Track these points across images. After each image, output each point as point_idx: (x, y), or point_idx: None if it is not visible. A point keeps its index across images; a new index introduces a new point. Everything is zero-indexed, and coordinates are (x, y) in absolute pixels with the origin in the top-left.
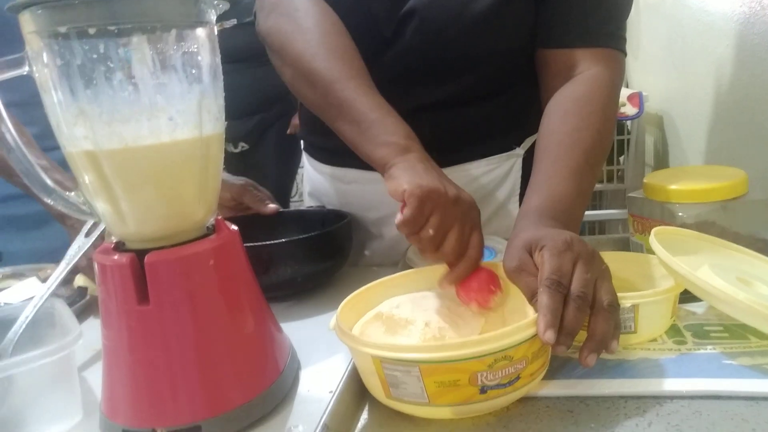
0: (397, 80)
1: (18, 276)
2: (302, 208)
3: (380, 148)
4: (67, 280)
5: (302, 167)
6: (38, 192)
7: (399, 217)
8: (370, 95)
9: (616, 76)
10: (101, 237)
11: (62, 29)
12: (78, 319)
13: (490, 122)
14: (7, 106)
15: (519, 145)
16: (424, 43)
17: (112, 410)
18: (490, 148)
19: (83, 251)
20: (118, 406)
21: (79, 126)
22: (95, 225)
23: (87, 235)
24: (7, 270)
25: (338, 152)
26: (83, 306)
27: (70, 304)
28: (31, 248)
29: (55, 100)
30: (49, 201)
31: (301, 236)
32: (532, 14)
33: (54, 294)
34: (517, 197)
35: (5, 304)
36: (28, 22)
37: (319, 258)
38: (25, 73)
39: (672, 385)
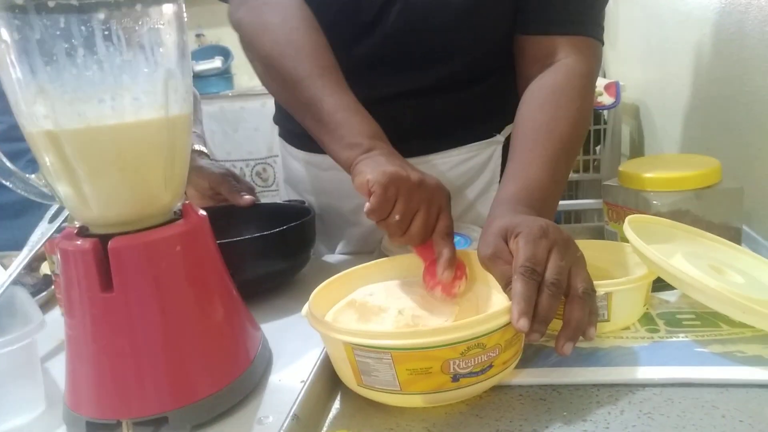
0: (378, 66)
1: None
2: (279, 201)
3: (345, 150)
4: (33, 267)
5: (277, 156)
6: None
7: (367, 206)
8: (336, 94)
9: (593, 65)
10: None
11: (19, 1)
12: (44, 307)
13: (470, 109)
14: None
15: (499, 132)
16: (406, 29)
17: (76, 402)
18: (471, 135)
19: (46, 238)
20: (81, 398)
21: (39, 104)
22: (59, 210)
23: (50, 221)
24: None
25: (313, 138)
26: (50, 294)
27: (36, 292)
28: (9, 237)
29: (13, 77)
30: (8, 184)
31: (254, 234)
32: (514, 2)
33: (19, 282)
34: (497, 184)
35: None
36: None
37: (274, 257)
38: None
39: (644, 373)
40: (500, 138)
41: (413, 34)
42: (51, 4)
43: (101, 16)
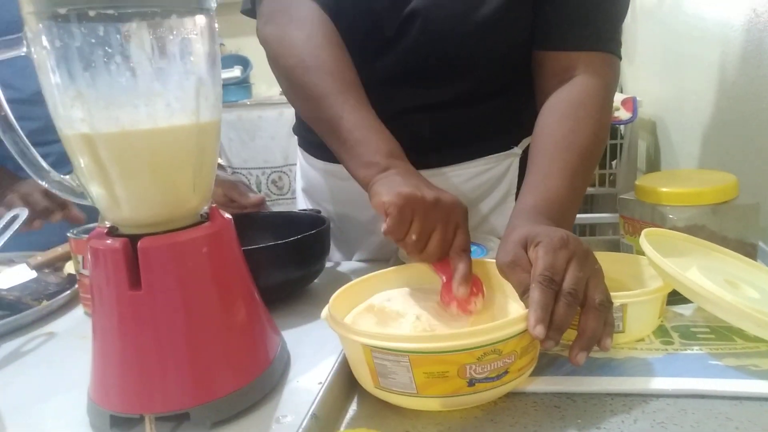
0: (398, 80)
1: (8, 262)
2: (294, 210)
3: (362, 169)
4: (57, 267)
5: (295, 164)
6: (33, 173)
7: (383, 227)
8: (357, 111)
9: (612, 81)
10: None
11: (62, 11)
12: (67, 306)
13: (489, 122)
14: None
15: (517, 145)
16: (426, 44)
17: (101, 396)
18: (489, 147)
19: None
20: (106, 392)
21: (76, 109)
22: (10, 223)
23: (4, 228)
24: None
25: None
26: (73, 293)
27: (59, 291)
28: (25, 241)
29: (52, 81)
30: (43, 183)
31: (270, 242)
32: (532, 16)
33: (43, 281)
34: (514, 196)
35: None
36: (27, 3)
37: (290, 266)
38: (23, 54)
39: (658, 383)
40: (518, 150)
41: (433, 48)
42: (92, 13)
43: (137, 25)
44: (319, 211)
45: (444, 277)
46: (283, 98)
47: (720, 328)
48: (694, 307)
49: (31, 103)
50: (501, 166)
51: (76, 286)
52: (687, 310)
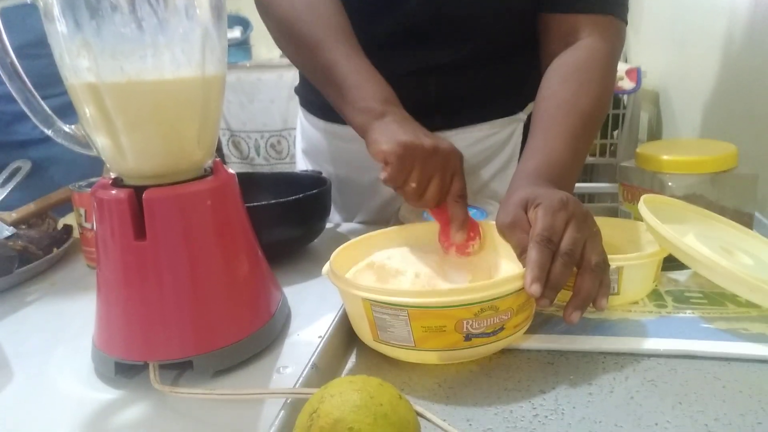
0: (401, 42)
1: None
2: (295, 171)
3: (358, 114)
4: (32, 224)
5: (294, 129)
6: (39, 122)
7: (383, 175)
8: (350, 58)
9: (616, 45)
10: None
11: None
12: (69, 258)
13: (493, 86)
14: None
15: (521, 110)
16: (429, 5)
17: (106, 343)
18: (493, 111)
19: None
20: (111, 340)
21: (83, 58)
22: (12, 175)
23: (2, 185)
24: None
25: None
26: (69, 246)
27: (58, 242)
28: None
29: (58, 29)
30: (49, 132)
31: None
32: None
33: (25, 235)
34: (516, 162)
35: None
36: None
37: (290, 224)
38: (29, 2)
39: (650, 344)
40: (522, 116)
41: (436, 10)
42: None
43: None
44: (320, 173)
45: (442, 223)
46: (284, 61)
47: (713, 294)
48: (689, 274)
49: (26, 57)
50: (505, 131)
51: (71, 239)
52: (682, 276)
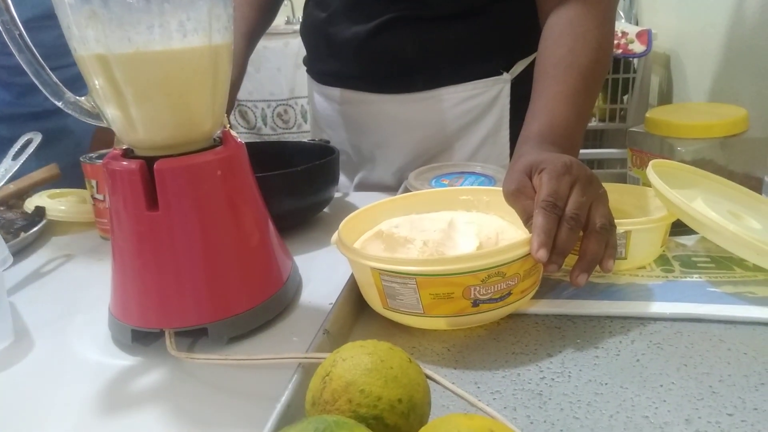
0: None
1: None
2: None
3: None
4: (12, 205)
5: (300, 97)
6: (49, 94)
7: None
8: None
9: None
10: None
11: None
12: (39, 241)
13: (473, 42)
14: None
15: (507, 71)
16: None
17: (122, 312)
18: (476, 70)
19: (9, 174)
20: (127, 308)
21: (91, 29)
22: (23, 148)
23: (14, 158)
24: None
25: (341, 75)
26: (43, 229)
27: (29, 226)
28: None
29: (66, 1)
30: (59, 104)
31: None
32: None
33: (2, 218)
34: (507, 125)
35: None
36: None
37: (300, 194)
38: None
39: (656, 307)
40: (507, 77)
41: None
42: None
43: None
44: (327, 141)
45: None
46: (289, 28)
47: (720, 258)
48: (697, 239)
49: (31, 30)
50: (490, 91)
51: (44, 220)
52: (689, 240)
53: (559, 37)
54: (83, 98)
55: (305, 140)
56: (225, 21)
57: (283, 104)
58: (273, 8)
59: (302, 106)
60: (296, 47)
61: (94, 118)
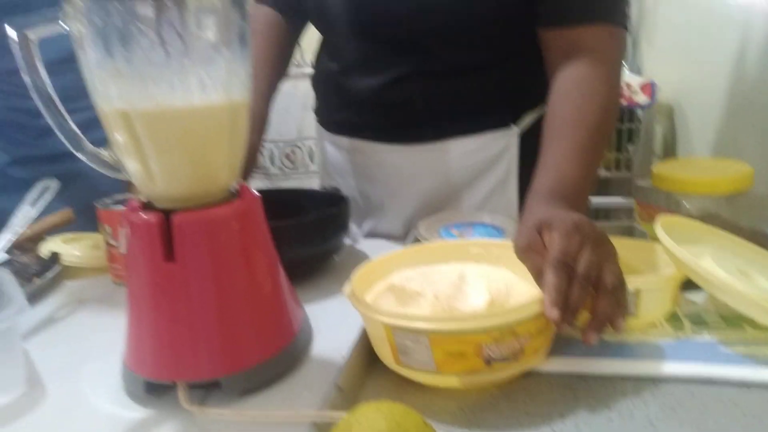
0: (384, 52)
1: None
2: (308, 185)
3: None
4: (27, 249)
5: (308, 139)
6: (71, 146)
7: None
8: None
9: (618, 53)
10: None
11: None
12: (52, 286)
13: (484, 94)
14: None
15: (515, 122)
16: (412, 17)
17: (135, 362)
18: (485, 122)
19: (28, 221)
20: (141, 360)
21: (114, 85)
22: (41, 194)
23: (32, 204)
24: None
25: (351, 125)
26: (56, 274)
27: (43, 271)
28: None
29: (90, 58)
30: (81, 156)
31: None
32: None
33: (17, 263)
34: (515, 176)
35: None
36: None
37: (311, 242)
38: (62, 31)
39: (669, 368)
40: (516, 129)
41: (420, 16)
42: None
43: (171, 3)
44: (338, 189)
45: None
46: (298, 71)
47: (731, 317)
48: (706, 295)
49: (52, 74)
50: (499, 143)
51: (58, 266)
52: (699, 297)
53: (567, 94)
54: (104, 150)
55: (315, 188)
56: (243, 77)
57: (291, 145)
58: (287, 62)
59: (310, 147)
60: (304, 89)
61: (114, 171)
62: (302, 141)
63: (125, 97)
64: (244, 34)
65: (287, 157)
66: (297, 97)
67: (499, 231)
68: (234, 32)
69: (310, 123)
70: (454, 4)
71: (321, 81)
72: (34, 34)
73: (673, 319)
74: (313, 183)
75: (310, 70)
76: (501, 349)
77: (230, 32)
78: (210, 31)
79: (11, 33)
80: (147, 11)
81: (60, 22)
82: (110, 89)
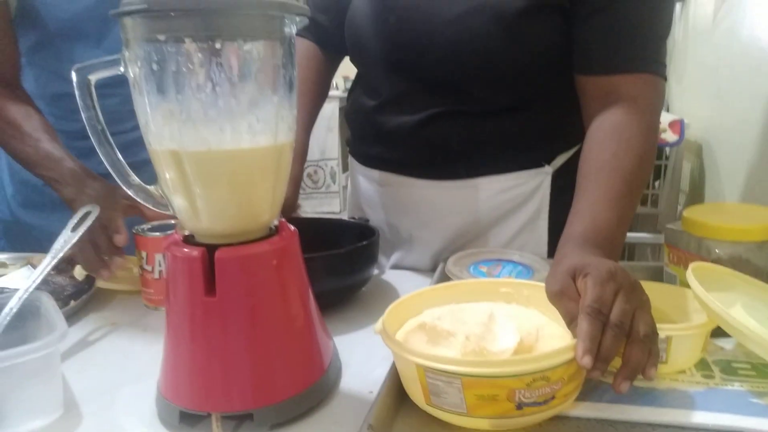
0: (422, 89)
1: (9, 264)
2: (344, 218)
3: None
4: (62, 270)
5: (331, 159)
6: (122, 183)
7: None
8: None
9: (656, 102)
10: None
11: (161, 37)
12: (85, 308)
13: (518, 134)
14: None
15: (548, 162)
16: (449, 57)
17: (171, 391)
18: (519, 161)
19: (69, 245)
20: (177, 389)
21: (167, 126)
22: (82, 220)
23: (73, 229)
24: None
25: (384, 159)
26: (90, 296)
27: (78, 293)
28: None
29: (146, 100)
30: (130, 192)
31: (320, 251)
32: (558, 33)
33: (53, 284)
34: (546, 215)
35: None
36: (128, 27)
37: (342, 274)
38: (120, 73)
39: (699, 417)
40: (548, 169)
41: (457, 57)
42: (187, 40)
43: (225, 51)
44: (367, 220)
45: None
46: None
47: (761, 365)
48: (736, 342)
49: None
50: (531, 183)
51: (93, 289)
52: (728, 344)
53: (604, 141)
54: (152, 187)
55: (337, 211)
56: (290, 121)
57: (314, 165)
58: (326, 93)
59: (332, 167)
60: (328, 111)
61: (161, 206)
62: (325, 161)
63: (177, 139)
64: (292, 80)
65: (309, 177)
66: (321, 118)
67: (528, 269)
68: (282, 78)
69: (332, 144)
70: (491, 47)
71: (356, 116)
72: (94, 77)
73: (703, 365)
74: (334, 202)
75: (334, 92)
76: (533, 394)
77: (279, 78)
78: (260, 77)
79: (74, 76)
80: (205, 60)
81: (120, 69)
82: (163, 130)
